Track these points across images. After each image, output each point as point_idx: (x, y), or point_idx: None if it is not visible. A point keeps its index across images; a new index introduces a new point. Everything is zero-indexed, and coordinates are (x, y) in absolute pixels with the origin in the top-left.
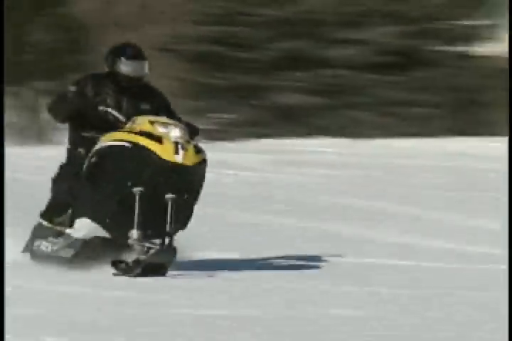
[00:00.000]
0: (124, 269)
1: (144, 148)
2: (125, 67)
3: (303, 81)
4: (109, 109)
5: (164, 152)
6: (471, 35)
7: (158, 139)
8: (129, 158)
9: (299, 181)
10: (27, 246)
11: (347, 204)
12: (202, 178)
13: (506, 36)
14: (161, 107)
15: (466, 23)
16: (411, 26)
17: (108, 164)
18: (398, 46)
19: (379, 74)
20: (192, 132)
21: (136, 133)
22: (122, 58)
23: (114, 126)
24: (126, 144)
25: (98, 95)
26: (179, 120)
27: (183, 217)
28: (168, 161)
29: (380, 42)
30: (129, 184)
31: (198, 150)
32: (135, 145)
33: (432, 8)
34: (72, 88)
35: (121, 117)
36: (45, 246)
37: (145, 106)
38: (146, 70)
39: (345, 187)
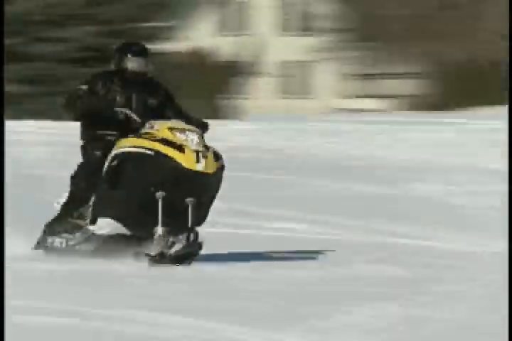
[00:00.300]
0: (150, 261)
1: (166, 156)
2: (131, 63)
3: (16, 72)
4: (126, 110)
5: (186, 161)
6: (153, 35)
7: (179, 147)
8: (152, 165)
9: None
10: (39, 243)
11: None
12: (219, 183)
13: (182, 36)
14: (166, 101)
15: (149, 24)
16: (105, 27)
17: (130, 169)
18: (94, 44)
19: (79, 67)
20: (202, 128)
21: (157, 141)
22: (129, 55)
23: (130, 126)
24: (149, 152)
25: (108, 92)
26: (186, 116)
27: (200, 217)
28: (190, 170)
29: (81, 40)
30: (152, 189)
31: (217, 158)
32: (157, 153)
33: (122, 11)
34: (84, 87)
35: (137, 119)
36: (59, 242)
37: (152, 101)
38: (150, 66)
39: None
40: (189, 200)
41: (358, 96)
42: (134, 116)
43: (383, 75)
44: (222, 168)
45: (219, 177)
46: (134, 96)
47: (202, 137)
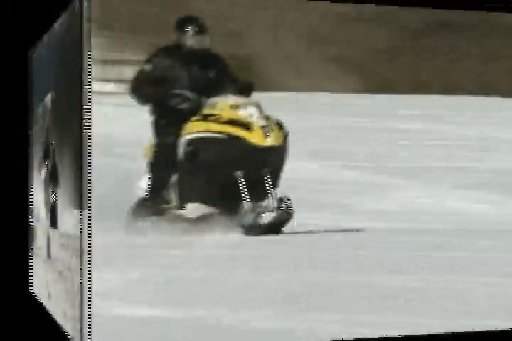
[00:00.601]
0: (244, 232)
1: (237, 137)
2: (191, 41)
3: None
4: (186, 93)
5: (255, 138)
6: None
7: (246, 126)
8: (225, 147)
9: None
10: (129, 225)
11: None
12: (288, 150)
13: None
14: (224, 72)
15: None
16: None
17: (205, 154)
18: None
19: None
20: (249, 90)
21: (224, 123)
22: (187, 33)
23: (192, 108)
24: (220, 135)
25: (170, 71)
26: (239, 83)
27: (274, 183)
28: (261, 145)
29: None
30: (230, 170)
31: (280, 127)
32: (228, 136)
33: None
34: (147, 67)
35: (196, 98)
36: (146, 224)
37: (211, 75)
38: (209, 43)
39: None
40: (264, 171)
41: (102, 80)
42: (193, 96)
43: (124, 61)
44: (287, 136)
45: (286, 146)
46: (193, 72)
47: (261, 108)
